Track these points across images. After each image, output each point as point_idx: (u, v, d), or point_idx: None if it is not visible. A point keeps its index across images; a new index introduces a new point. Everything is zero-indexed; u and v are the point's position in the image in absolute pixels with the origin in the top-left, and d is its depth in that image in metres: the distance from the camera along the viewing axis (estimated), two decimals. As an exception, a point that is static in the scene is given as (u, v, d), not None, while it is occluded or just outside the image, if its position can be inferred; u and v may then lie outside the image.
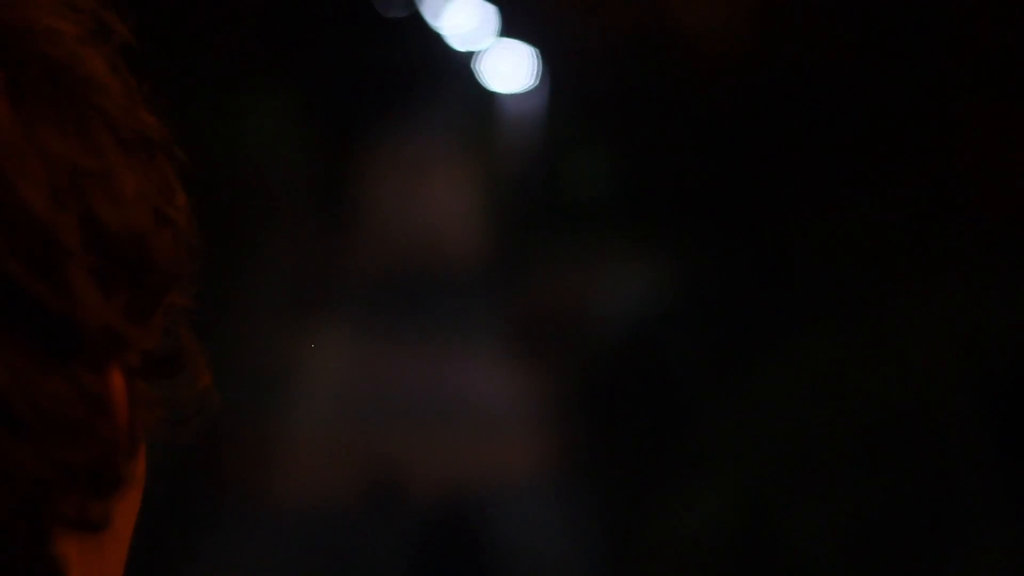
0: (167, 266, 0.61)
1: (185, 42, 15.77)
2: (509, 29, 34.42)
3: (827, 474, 11.37)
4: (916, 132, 13.00)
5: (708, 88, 18.57)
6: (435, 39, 62.78)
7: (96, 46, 0.61)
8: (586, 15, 25.66)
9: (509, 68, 26.17)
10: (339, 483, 17.17)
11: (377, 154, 46.40)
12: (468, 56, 54.40)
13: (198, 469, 15.70)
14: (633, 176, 24.06)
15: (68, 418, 0.57)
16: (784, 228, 13.85)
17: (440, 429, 17.85)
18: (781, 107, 15.42)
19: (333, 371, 22.52)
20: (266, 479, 17.29)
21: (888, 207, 12.50)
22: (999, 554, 10.65)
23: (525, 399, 21.45)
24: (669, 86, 20.51)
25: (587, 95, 25.94)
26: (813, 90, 14.64)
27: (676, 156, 20.02)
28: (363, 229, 35.86)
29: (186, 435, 0.61)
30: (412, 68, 46.66)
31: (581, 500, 16.84)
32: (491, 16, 40.57)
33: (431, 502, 12.26)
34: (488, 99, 42.33)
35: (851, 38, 13.95)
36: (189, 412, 0.63)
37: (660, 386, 17.16)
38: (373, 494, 11.60)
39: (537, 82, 25.10)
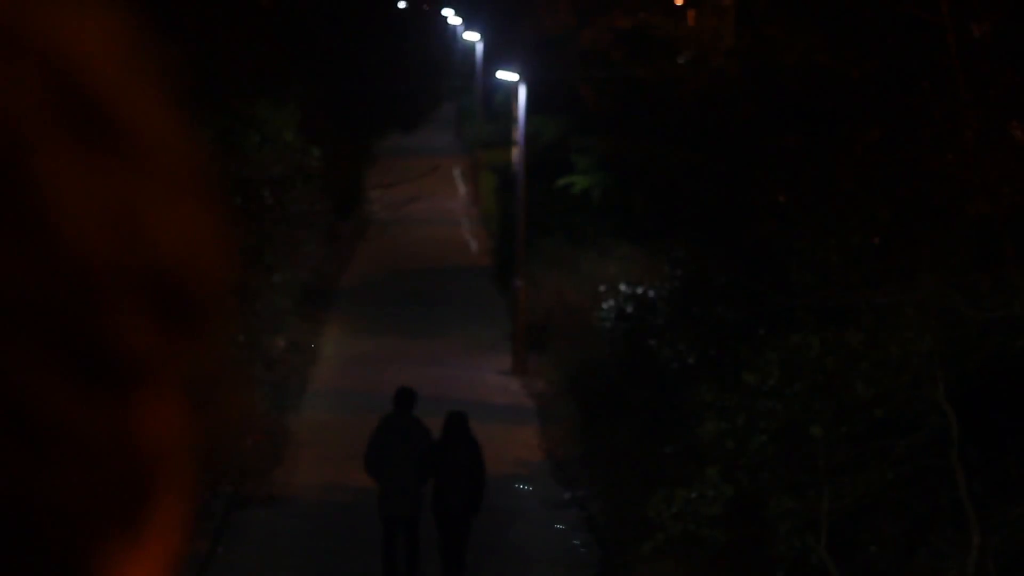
0: (204, 294, 0.62)
1: (195, 49, 15.88)
2: (492, 56, 34.60)
3: (814, 466, 11.51)
4: (897, 141, 13.21)
5: (703, 95, 18.77)
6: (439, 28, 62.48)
7: (140, 73, 0.62)
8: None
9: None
10: (348, 472, 17.45)
11: (383, 151, 46.35)
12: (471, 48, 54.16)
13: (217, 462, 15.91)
14: (626, 179, 24.22)
15: (100, 443, 0.57)
16: (773, 231, 14.02)
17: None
18: (764, 113, 15.63)
19: (341, 367, 22.68)
20: (281, 471, 17.47)
21: (870, 211, 12.70)
22: (976, 541, 10.88)
23: (525, 393, 21.63)
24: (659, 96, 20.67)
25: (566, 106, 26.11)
26: (802, 98, 14.87)
27: (667, 158, 20.20)
28: (368, 229, 35.96)
29: (213, 449, 0.66)
30: (416, 59, 46.57)
31: (577, 489, 17.08)
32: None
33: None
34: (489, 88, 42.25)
35: (833, 50, 14.14)
36: (220, 431, 0.65)
37: (654, 378, 17.35)
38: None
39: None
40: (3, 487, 0.56)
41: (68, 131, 0.58)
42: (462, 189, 44.94)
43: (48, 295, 0.57)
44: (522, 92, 24.95)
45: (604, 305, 20.57)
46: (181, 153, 0.62)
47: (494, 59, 43.04)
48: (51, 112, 0.58)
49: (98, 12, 0.61)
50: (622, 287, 20.42)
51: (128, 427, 0.59)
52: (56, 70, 0.59)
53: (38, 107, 0.58)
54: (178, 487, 0.61)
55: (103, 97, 0.60)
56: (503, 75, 26.86)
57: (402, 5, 56.83)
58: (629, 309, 19.90)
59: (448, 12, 78.13)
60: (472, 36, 53.73)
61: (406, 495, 14.05)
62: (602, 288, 21.21)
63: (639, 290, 19.98)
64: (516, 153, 25.85)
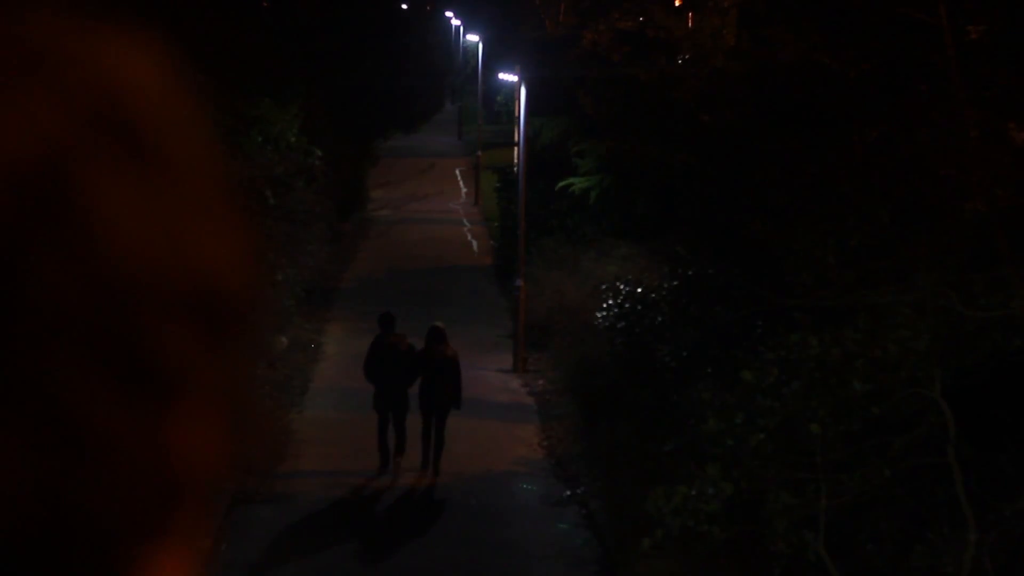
0: (239, 306, 0.63)
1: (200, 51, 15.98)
2: (493, 58, 34.58)
3: (812, 464, 11.57)
4: (895, 142, 13.29)
5: (701, 96, 18.84)
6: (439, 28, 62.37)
7: (179, 97, 0.63)
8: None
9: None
10: (350, 468, 17.54)
11: (385, 152, 46.34)
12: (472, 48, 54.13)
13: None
14: (626, 179, 24.26)
15: (139, 450, 0.59)
16: (771, 231, 14.10)
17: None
18: (763, 114, 15.69)
19: (343, 365, 22.73)
20: (284, 469, 17.52)
21: (868, 211, 12.77)
22: (972, 538, 10.96)
23: (526, 391, 21.69)
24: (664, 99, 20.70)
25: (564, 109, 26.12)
26: (800, 99, 14.94)
27: (666, 159, 20.25)
28: (370, 228, 36.02)
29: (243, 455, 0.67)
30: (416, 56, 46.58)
31: (577, 487, 17.15)
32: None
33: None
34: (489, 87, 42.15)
35: (832, 51, 14.21)
36: (241, 436, 0.65)
37: (653, 377, 17.42)
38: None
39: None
40: (44, 489, 0.57)
41: (112, 152, 0.60)
42: (463, 189, 45.01)
43: (94, 308, 0.58)
44: (523, 93, 25.04)
45: (604, 304, 20.65)
46: (216, 171, 0.64)
47: (495, 60, 43.17)
48: (97, 135, 0.60)
49: (141, 39, 0.63)
50: (622, 287, 20.49)
51: (166, 435, 0.60)
52: (101, 95, 0.61)
53: (85, 131, 0.59)
54: (209, 493, 0.63)
55: (145, 120, 0.62)
56: (504, 76, 26.93)
57: (404, 6, 56.91)
58: (628, 308, 19.97)
59: (450, 13, 78.26)
60: (473, 37, 53.75)
61: (395, 394, 17.62)
62: (602, 287, 21.29)
63: (639, 289, 20.05)
64: (517, 153, 25.92)
